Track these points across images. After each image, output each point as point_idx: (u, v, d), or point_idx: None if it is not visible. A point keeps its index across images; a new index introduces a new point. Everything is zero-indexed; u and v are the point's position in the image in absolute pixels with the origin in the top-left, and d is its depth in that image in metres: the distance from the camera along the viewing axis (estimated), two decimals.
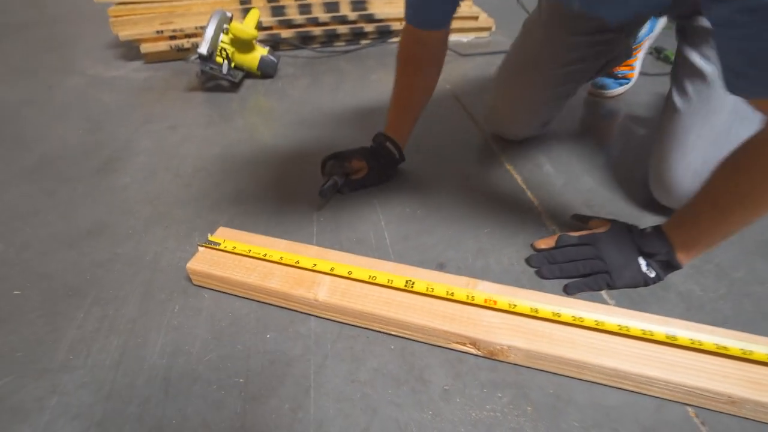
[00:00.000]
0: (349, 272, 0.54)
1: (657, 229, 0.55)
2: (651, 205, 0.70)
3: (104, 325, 0.54)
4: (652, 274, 0.56)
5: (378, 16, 1.37)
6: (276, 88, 1.16)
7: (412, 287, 0.53)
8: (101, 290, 0.59)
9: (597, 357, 0.46)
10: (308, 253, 0.58)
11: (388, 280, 0.53)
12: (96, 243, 0.66)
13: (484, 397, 0.46)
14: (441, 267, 0.61)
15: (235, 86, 1.16)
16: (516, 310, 0.50)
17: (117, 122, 1.01)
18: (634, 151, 0.86)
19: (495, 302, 0.51)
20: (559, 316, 0.49)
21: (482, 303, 0.51)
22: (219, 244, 0.59)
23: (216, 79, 1.19)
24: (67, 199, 0.76)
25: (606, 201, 0.73)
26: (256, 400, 0.46)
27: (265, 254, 0.57)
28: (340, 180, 0.73)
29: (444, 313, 0.50)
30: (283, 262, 0.56)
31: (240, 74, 1.15)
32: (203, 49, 1.07)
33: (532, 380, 0.48)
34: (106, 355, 0.50)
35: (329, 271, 0.55)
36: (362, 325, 0.53)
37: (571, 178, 0.79)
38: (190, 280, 0.59)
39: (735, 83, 0.41)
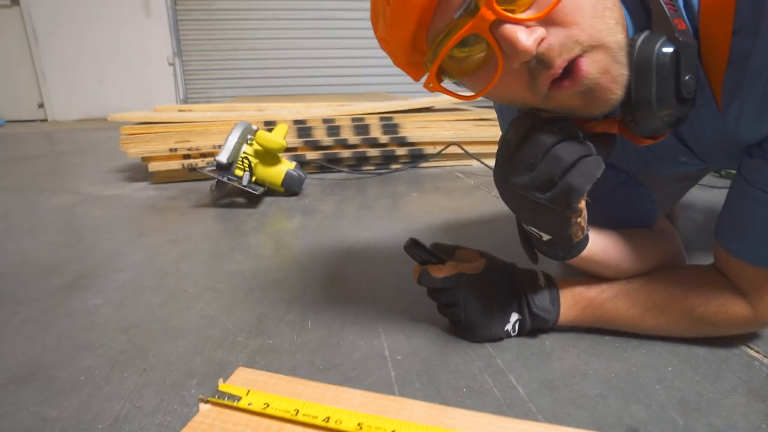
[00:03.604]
0: None
1: (551, 282, 0.46)
2: None
3: None
4: (514, 333, 0.45)
5: (410, 140, 1.29)
6: (302, 204, 0.98)
7: None
8: None
9: None
10: (408, 415, 0.31)
11: None
12: (16, 398, 0.39)
13: None
14: None
15: (253, 201, 0.99)
16: None
17: (102, 236, 0.79)
18: None
19: None
20: None
21: None
22: (239, 398, 0.32)
23: (231, 196, 1.02)
24: None
25: None
26: None
27: (328, 418, 0.30)
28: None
29: None
30: None
31: (262, 188, 0.98)
32: (223, 158, 0.92)
33: None
34: None
35: None
36: None
37: None
38: None
39: (729, 236, 0.41)
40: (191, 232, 0.81)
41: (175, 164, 1.15)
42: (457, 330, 0.47)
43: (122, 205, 0.99)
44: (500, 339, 0.46)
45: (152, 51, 3.07)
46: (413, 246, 0.47)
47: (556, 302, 0.45)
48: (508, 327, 0.45)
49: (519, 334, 0.46)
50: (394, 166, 1.30)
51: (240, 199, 1.01)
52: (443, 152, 1.29)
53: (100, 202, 1.01)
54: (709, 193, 1.00)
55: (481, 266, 0.46)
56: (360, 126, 1.27)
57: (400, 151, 1.29)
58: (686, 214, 0.88)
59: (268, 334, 0.48)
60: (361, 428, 0.29)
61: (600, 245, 0.43)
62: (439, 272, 0.45)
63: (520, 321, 0.45)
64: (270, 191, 1.04)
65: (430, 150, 1.30)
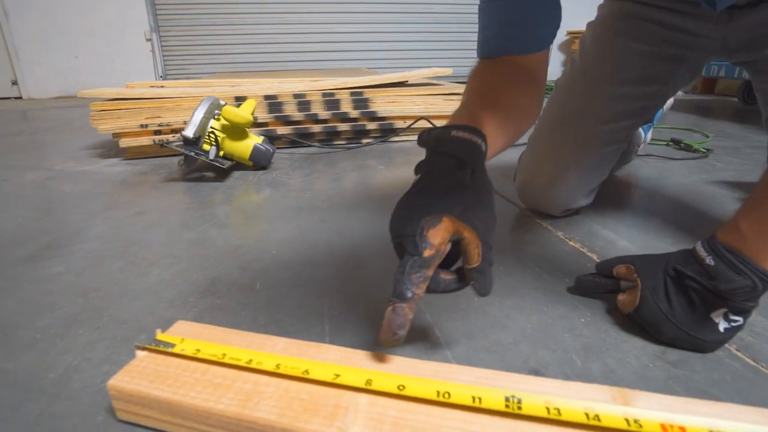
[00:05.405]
0: (400, 386, 0.31)
1: (718, 249, 0.38)
2: None
3: None
4: (736, 325, 0.39)
5: (380, 114, 1.30)
6: (270, 178, 1.01)
7: (518, 409, 0.29)
8: None
9: None
10: (324, 357, 0.35)
11: (474, 397, 0.30)
12: None
13: None
14: (537, 375, 0.38)
15: (221, 175, 1.01)
16: None
17: (71, 210, 0.81)
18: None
19: (684, 429, 0.27)
20: None
21: None
22: (173, 345, 0.36)
23: (200, 170, 1.04)
24: None
25: None
26: None
27: (251, 360, 0.34)
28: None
29: None
30: (280, 372, 0.33)
31: (229, 162, 1.00)
32: (189, 132, 0.93)
33: None
34: None
35: (364, 386, 0.31)
36: None
37: (646, 245, 0.59)
38: (113, 411, 0.34)
39: None
40: (158, 205, 0.83)
41: (146, 140, 1.16)
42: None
43: (93, 180, 1.01)
44: (720, 345, 0.40)
45: (129, 26, 3.00)
46: (585, 283, 0.49)
47: (739, 264, 0.36)
48: (722, 327, 0.39)
49: (743, 323, 0.39)
50: (364, 141, 1.32)
51: (209, 174, 1.03)
52: (413, 126, 1.30)
53: (71, 178, 1.02)
54: (665, 164, 1.04)
55: (639, 284, 0.43)
56: (330, 101, 1.28)
57: (371, 125, 1.31)
58: (651, 197, 0.92)
59: (218, 295, 0.51)
60: (278, 368, 0.33)
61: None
62: (631, 304, 0.43)
63: (726, 312, 0.38)
64: (238, 165, 1.05)
65: (400, 124, 1.32)
